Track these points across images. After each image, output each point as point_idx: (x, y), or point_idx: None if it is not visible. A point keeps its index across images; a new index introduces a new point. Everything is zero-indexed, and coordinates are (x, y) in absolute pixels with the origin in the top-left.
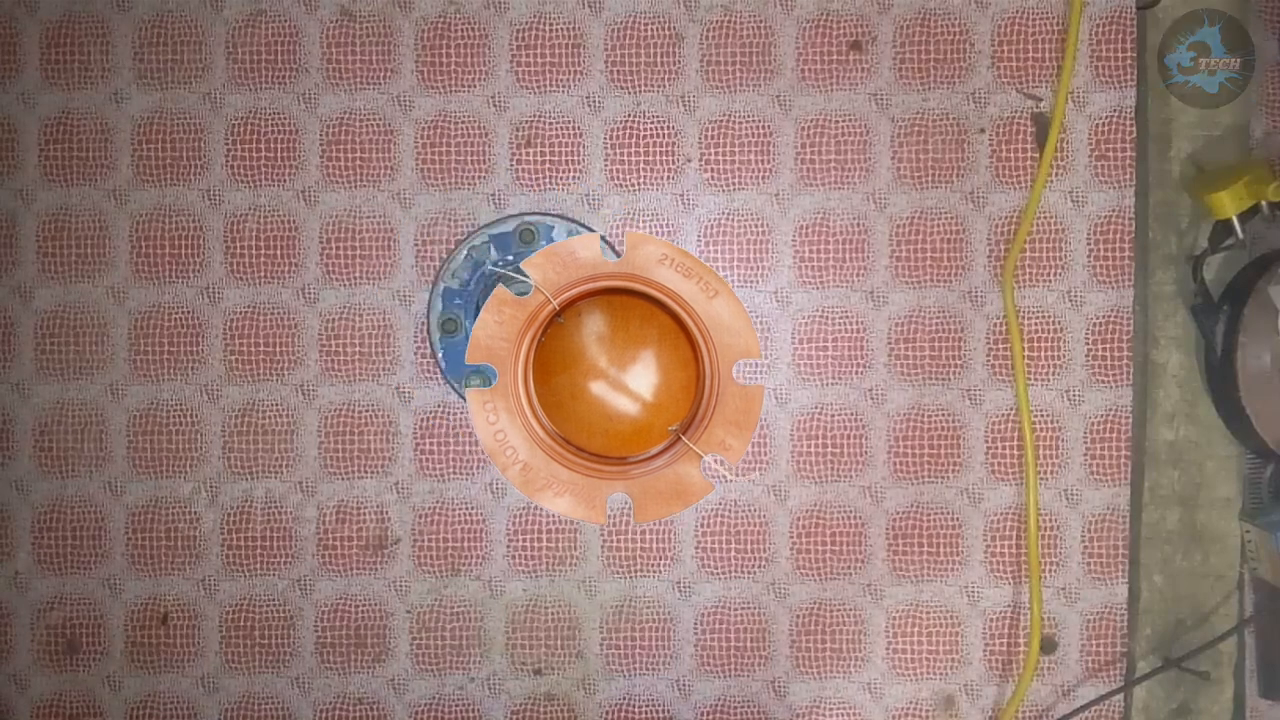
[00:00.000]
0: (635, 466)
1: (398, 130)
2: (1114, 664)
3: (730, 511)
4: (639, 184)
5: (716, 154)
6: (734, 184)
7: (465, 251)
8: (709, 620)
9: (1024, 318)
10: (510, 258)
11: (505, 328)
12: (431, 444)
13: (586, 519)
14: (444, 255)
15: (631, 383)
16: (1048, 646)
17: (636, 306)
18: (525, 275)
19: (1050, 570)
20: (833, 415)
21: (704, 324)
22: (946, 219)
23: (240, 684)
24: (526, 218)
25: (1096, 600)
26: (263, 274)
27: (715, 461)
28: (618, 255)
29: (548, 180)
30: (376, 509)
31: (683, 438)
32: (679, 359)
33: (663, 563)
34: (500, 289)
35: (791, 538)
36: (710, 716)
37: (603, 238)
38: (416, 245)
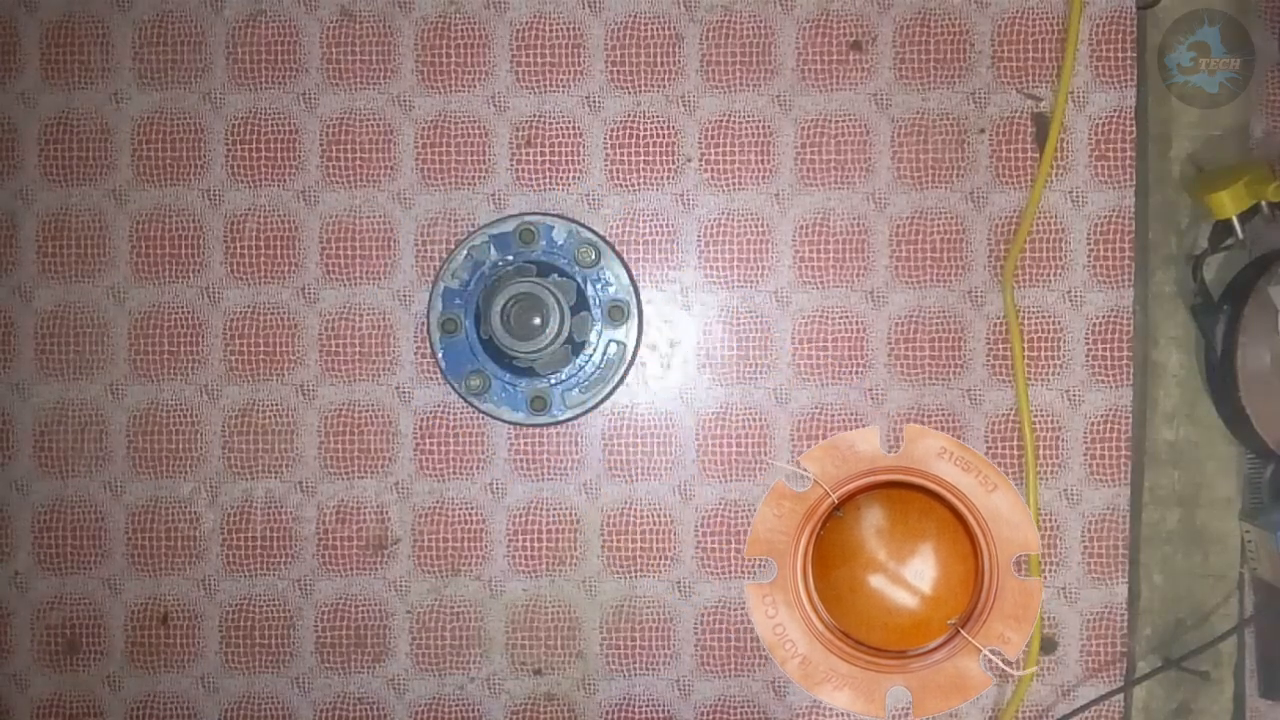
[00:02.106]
0: (914, 660)
1: (398, 130)
2: (1114, 664)
3: (730, 511)
4: (639, 184)
5: (716, 154)
6: (734, 184)
7: (465, 251)
8: (709, 620)
9: (1024, 318)
10: (510, 257)
11: (784, 521)
12: (431, 444)
13: (866, 713)
14: (444, 255)
15: (910, 576)
16: (1048, 646)
17: (915, 500)
18: (532, 277)
19: (1050, 570)
20: (833, 415)
21: (983, 518)
22: (946, 219)
23: (240, 684)
24: (526, 218)
25: (1096, 600)
26: (263, 274)
27: (994, 655)
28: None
29: (548, 180)
30: (376, 509)
31: (962, 631)
32: (957, 552)
33: (663, 563)
34: (779, 483)
35: None
36: (710, 716)
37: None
38: (416, 245)
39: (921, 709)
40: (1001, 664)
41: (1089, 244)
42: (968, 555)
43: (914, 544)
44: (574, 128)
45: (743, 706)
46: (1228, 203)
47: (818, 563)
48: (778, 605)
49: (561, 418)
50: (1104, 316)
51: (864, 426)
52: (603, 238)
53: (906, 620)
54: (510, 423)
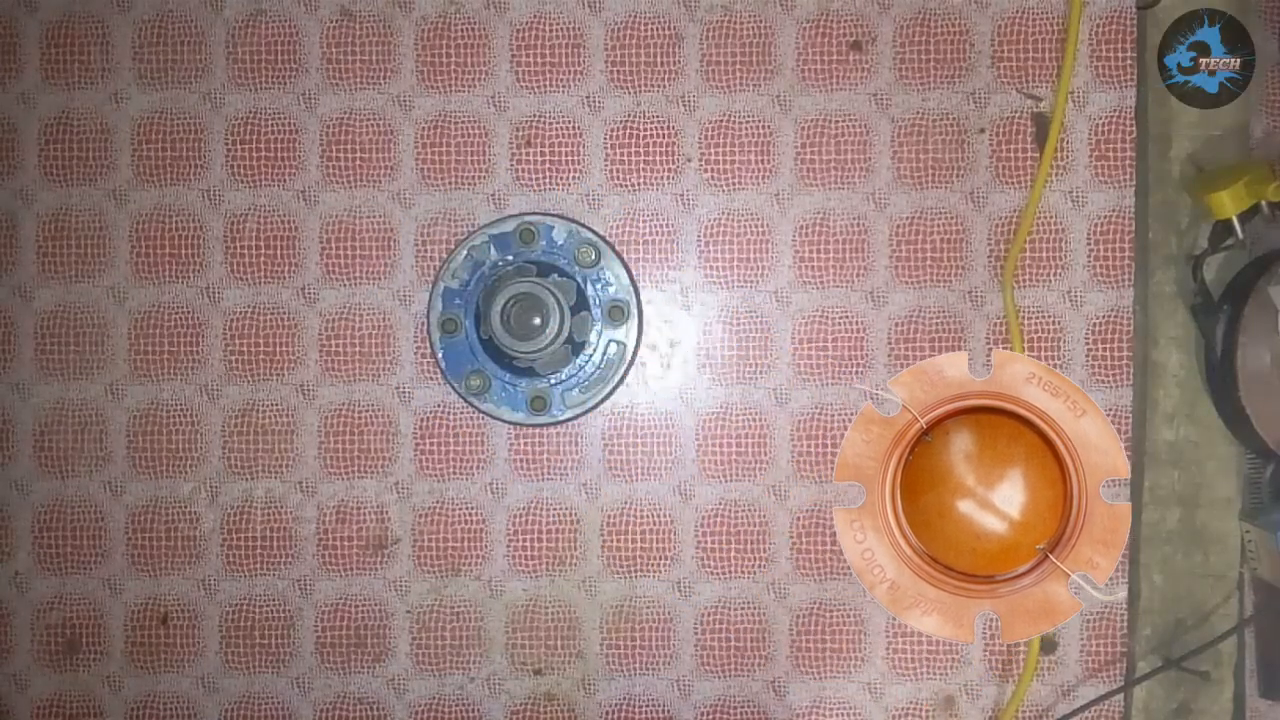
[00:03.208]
0: (1003, 585)
1: (398, 130)
2: (1114, 664)
3: (730, 511)
4: (639, 184)
5: (716, 154)
6: (734, 184)
7: (465, 251)
8: (709, 620)
9: (1024, 318)
10: (510, 257)
11: (873, 446)
12: (431, 444)
13: (954, 637)
14: (444, 255)
15: (998, 501)
16: (1048, 646)
17: (1003, 425)
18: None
19: None
20: (833, 415)
21: (1071, 443)
22: (946, 219)
23: (240, 684)
24: (526, 218)
25: (1097, 600)
26: (263, 274)
27: (1083, 580)
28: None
29: (548, 180)
30: (376, 509)
31: (1050, 556)
32: (1046, 477)
33: (663, 563)
34: (868, 408)
35: (791, 538)
36: (710, 716)
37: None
38: (416, 245)
39: (1010, 633)
40: (1090, 589)
41: (1089, 244)
42: (1056, 480)
43: (1002, 469)
44: (574, 128)
45: (743, 706)
46: (1228, 203)
47: (906, 488)
48: (866, 530)
49: (561, 418)
50: (1104, 316)
51: None
52: (603, 238)
53: (995, 545)
54: (510, 423)
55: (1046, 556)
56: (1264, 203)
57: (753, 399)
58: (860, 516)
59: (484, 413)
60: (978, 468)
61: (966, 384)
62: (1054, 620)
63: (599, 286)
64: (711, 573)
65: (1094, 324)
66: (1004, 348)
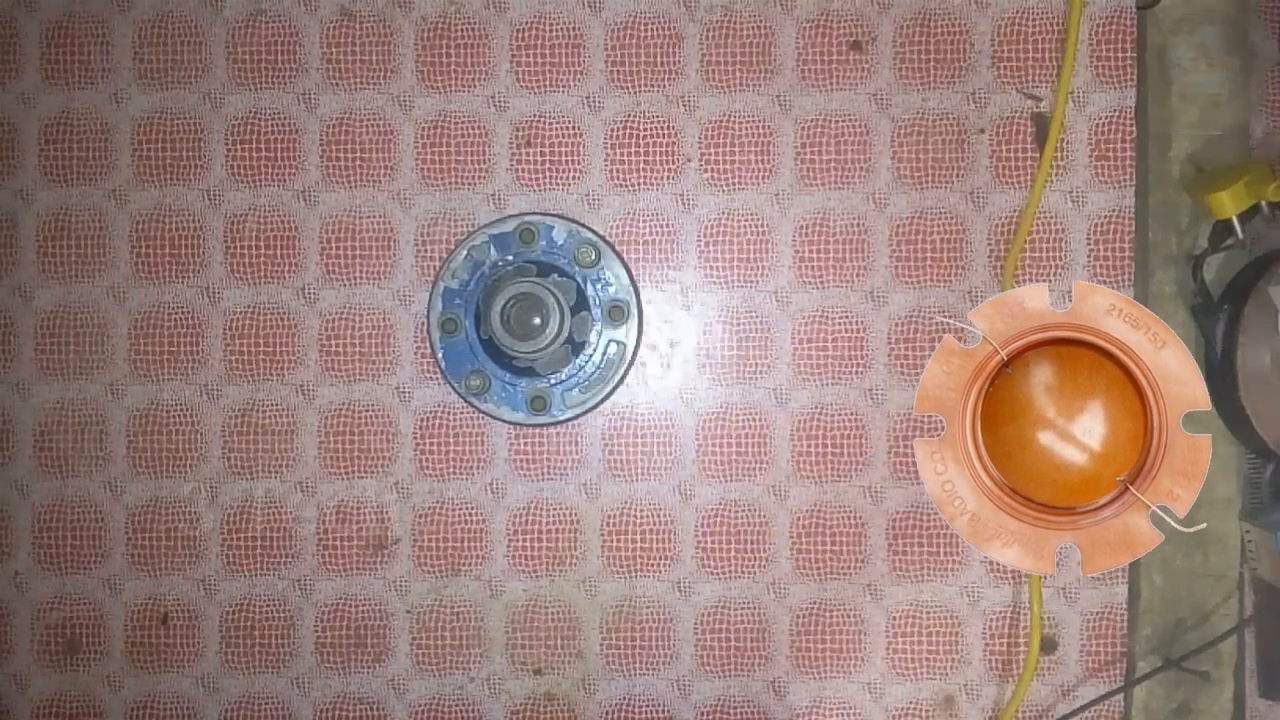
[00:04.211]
0: (1083, 517)
1: (398, 130)
2: (1114, 664)
3: (730, 511)
4: (639, 184)
5: (716, 154)
6: (734, 184)
7: (465, 251)
8: (709, 620)
9: None
10: (510, 257)
11: (953, 378)
12: (431, 444)
13: (1034, 570)
14: (444, 255)
15: (1079, 433)
16: (1048, 646)
17: (1084, 356)
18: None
19: None
20: (833, 415)
21: (1152, 374)
22: (946, 219)
23: (240, 684)
24: (526, 218)
25: (1096, 600)
26: (263, 274)
27: (1163, 511)
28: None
29: (548, 180)
30: (376, 509)
31: (1131, 488)
32: (1126, 409)
33: (663, 563)
34: (948, 340)
35: (791, 538)
36: (710, 716)
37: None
38: (416, 245)
39: (1091, 565)
40: (1171, 521)
41: (1089, 244)
42: (1136, 412)
43: (1083, 401)
44: (574, 128)
45: (743, 706)
46: (1228, 203)
47: (986, 420)
48: (947, 462)
49: (561, 418)
50: None
51: (864, 426)
52: (603, 238)
53: (1075, 477)
54: (510, 423)
55: (1127, 488)
56: (1264, 203)
57: (753, 399)
58: (941, 448)
59: (484, 413)
60: (1058, 399)
61: (1047, 316)
62: (1135, 552)
63: (599, 286)
64: (711, 573)
65: None
66: None
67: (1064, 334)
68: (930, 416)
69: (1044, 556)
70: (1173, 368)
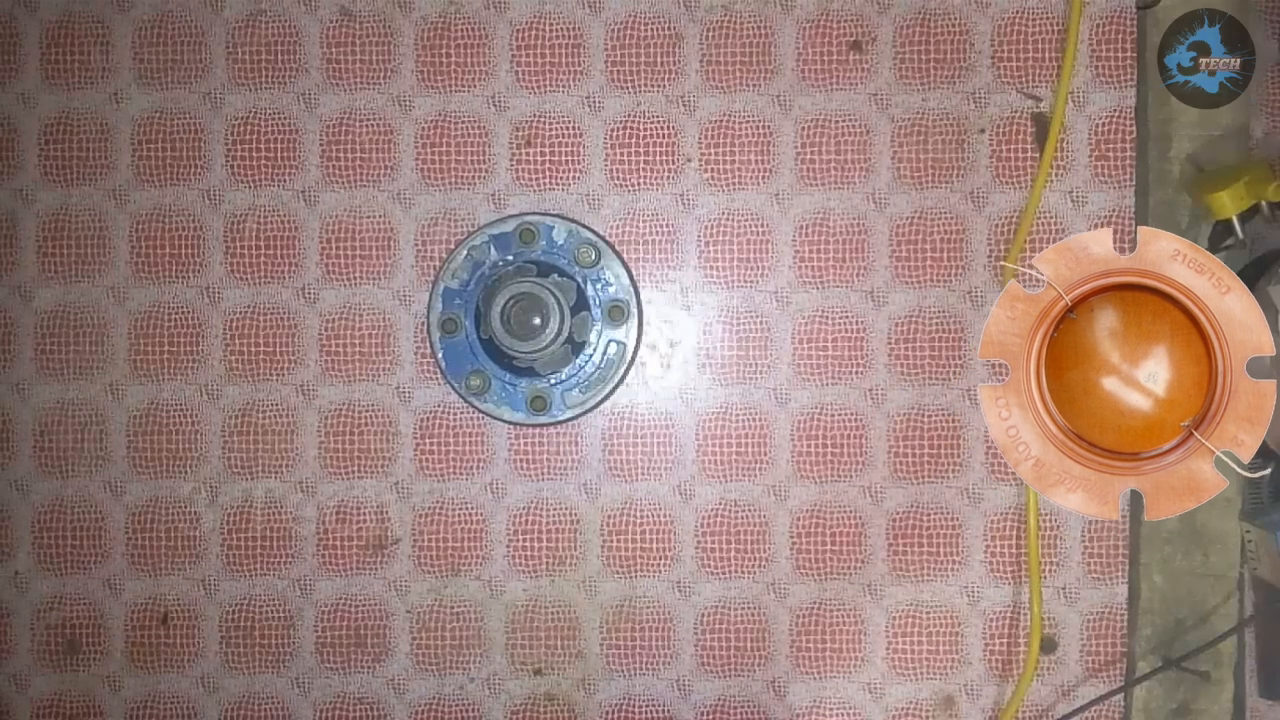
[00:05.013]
0: (1148, 462)
1: (398, 130)
2: (1114, 664)
3: (730, 511)
4: (639, 184)
5: (716, 154)
6: (734, 184)
7: (465, 251)
8: (709, 620)
9: None
10: (510, 257)
11: (1018, 323)
12: (431, 444)
13: (1099, 515)
14: (444, 255)
15: (1143, 378)
16: (1048, 646)
17: (1149, 302)
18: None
19: (1050, 570)
20: (833, 415)
21: (1216, 320)
22: (946, 219)
23: (240, 684)
24: (526, 218)
25: (1096, 600)
26: (263, 274)
27: (1228, 457)
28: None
29: (548, 180)
30: (376, 509)
31: (1195, 433)
32: (1191, 355)
33: (663, 563)
34: (1013, 285)
35: (791, 538)
36: (710, 716)
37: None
38: (416, 245)
39: (1155, 510)
40: (1235, 466)
41: None
42: (1201, 357)
43: (1147, 346)
44: (574, 128)
45: (743, 706)
46: (1228, 203)
47: (1050, 365)
48: (1011, 407)
49: (561, 418)
50: None
51: (864, 426)
52: (603, 238)
53: (1139, 423)
54: (510, 423)
55: (1192, 434)
56: (1264, 203)
57: (753, 399)
58: (1005, 394)
59: (484, 413)
60: (1122, 345)
61: (1111, 261)
62: (1199, 497)
63: (599, 286)
64: (711, 573)
65: None
66: None
67: (1128, 279)
68: (995, 361)
69: (1108, 502)
70: (1237, 313)
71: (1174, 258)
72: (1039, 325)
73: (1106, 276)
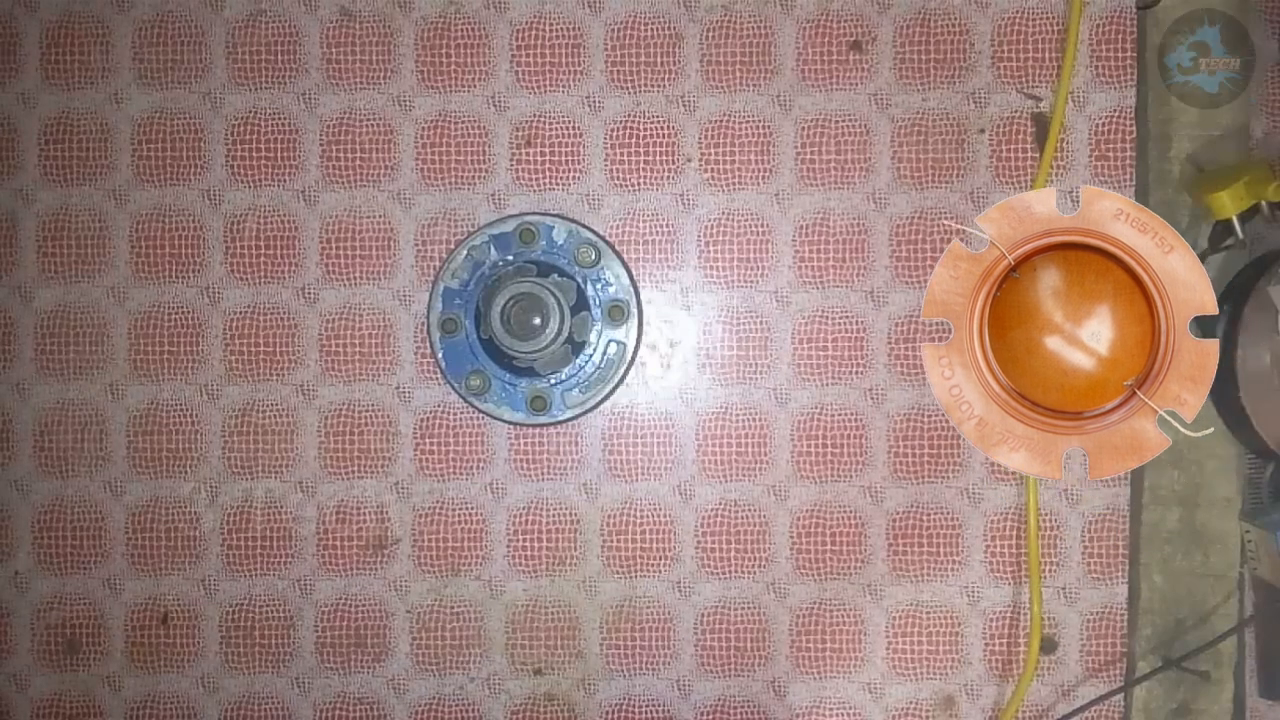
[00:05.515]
0: (1091, 421)
1: (398, 130)
2: (1114, 664)
3: (730, 511)
4: (639, 184)
5: (716, 154)
6: (734, 184)
7: (465, 251)
8: (709, 620)
9: None
10: (510, 257)
11: (961, 282)
12: (431, 444)
13: (1042, 474)
14: (444, 255)
15: (1086, 337)
16: (1048, 646)
17: (1092, 261)
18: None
19: (1050, 570)
20: (833, 415)
21: (1159, 279)
22: (947, 219)
23: (240, 684)
24: (526, 218)
25: (1096, 600)
26: (263, 274)
27: (1171, 416)
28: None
29: (548, 180)
30: (376, 509)
31: (1138, 393)
32: (1134, 314)
33: (663, 563)
34: (956, 245)
35: (791, 538)
36: (710, 716)
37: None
38: (416, 245)
39: (1098, 470)
40: (1178, 425)
41: None
42: (1144, 316)
43: (1090, 305)
44: (574, 128)
45: (743, 706)
46: (1228, 203)
47: (994, 324)
48: (954, 367)
49: (561, 418)
50: None
51: (864, 426)
52: (603, 238)
53: (1082, 382)
54: (510, 423)
55: (1134, 393)
56: (1264, 203)
57: (753, 399)
58: (948, 353)
59: (484, 413)
60: (1065, 304)
61: (1054, 220)
62: (1142, 456)
63: (599, 286)
64: (711, 573)
65: None
66: None
67: (1071, 239)
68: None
69: (1051, 461)
70: (1180, 272)
71: (1117, 217)
72: (982, 284)
73: (1049, 236)
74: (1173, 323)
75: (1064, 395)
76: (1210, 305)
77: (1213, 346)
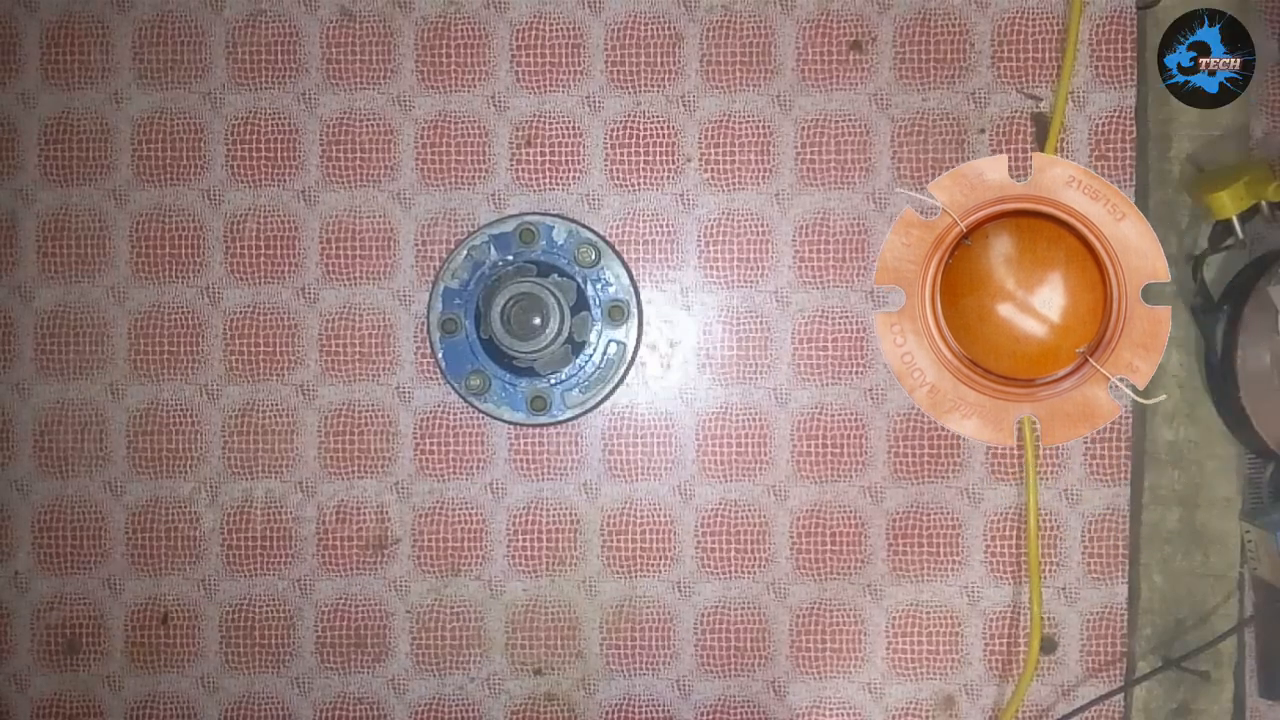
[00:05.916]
0: (1043, 389)
1: (398, 130)
2: (1114, 664)
3: (730, 511)
4: (639, 184)
5: (716, 154)
6: (734, 184)
7: (465, 251)
8: (709, 620)
9: None
10: (510, 257)
11: (913, 250)
12: (431, 444)
13: (994, 441)
14: (444, 255)
15: (1038, 304)
16: (1048, 646)
17: (1044, 229)
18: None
19: (1050, 570)
20: (833, 415)
21: (1111, 246)
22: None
23: (240, 684)
24: (526, 218)
25: (1096, 600)
26: (263, 274)
27: (1122, 383)
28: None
29: (548, 180)
30: (376, 509)
31: (1090, 360)
32: (1086, 281)
33: (663, 563)
34: (908, 212)
35: (791, 538)
36: (710, 716)
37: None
38: (416, 245)
39: (1050, 437)
40: (1130, 392)
41: None
42: (1096, 284)
43: (1042, 272)
44: (574, 128)
45: (743, 706)
46: (1228, 203)
47: (946, 292)
48: (906, 334)
49: (561, 418)
50: None
51: (864, 426)
52: (603, 238)
53: (1035, 349)
54: (510, 423)
55: (1086, 360)
56: (1264, 203)
57: (753, 399)
58: (900, 320)
59: (484, 413)
60: (1017, 271)
61: (1007, 187)
62: (1093, 423)
63: (599, 286)
64: (711, 573)
65: None
66: None
67: (1023, 206)
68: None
69: (1003, 427)
70: (1132, 239)
71: (1069, 184)
72: (934, 252)
73: (1002, 203)
74: (1125, 290)
75: (1016, 362)
76: (1162, 273)
77: (1164, 314)
